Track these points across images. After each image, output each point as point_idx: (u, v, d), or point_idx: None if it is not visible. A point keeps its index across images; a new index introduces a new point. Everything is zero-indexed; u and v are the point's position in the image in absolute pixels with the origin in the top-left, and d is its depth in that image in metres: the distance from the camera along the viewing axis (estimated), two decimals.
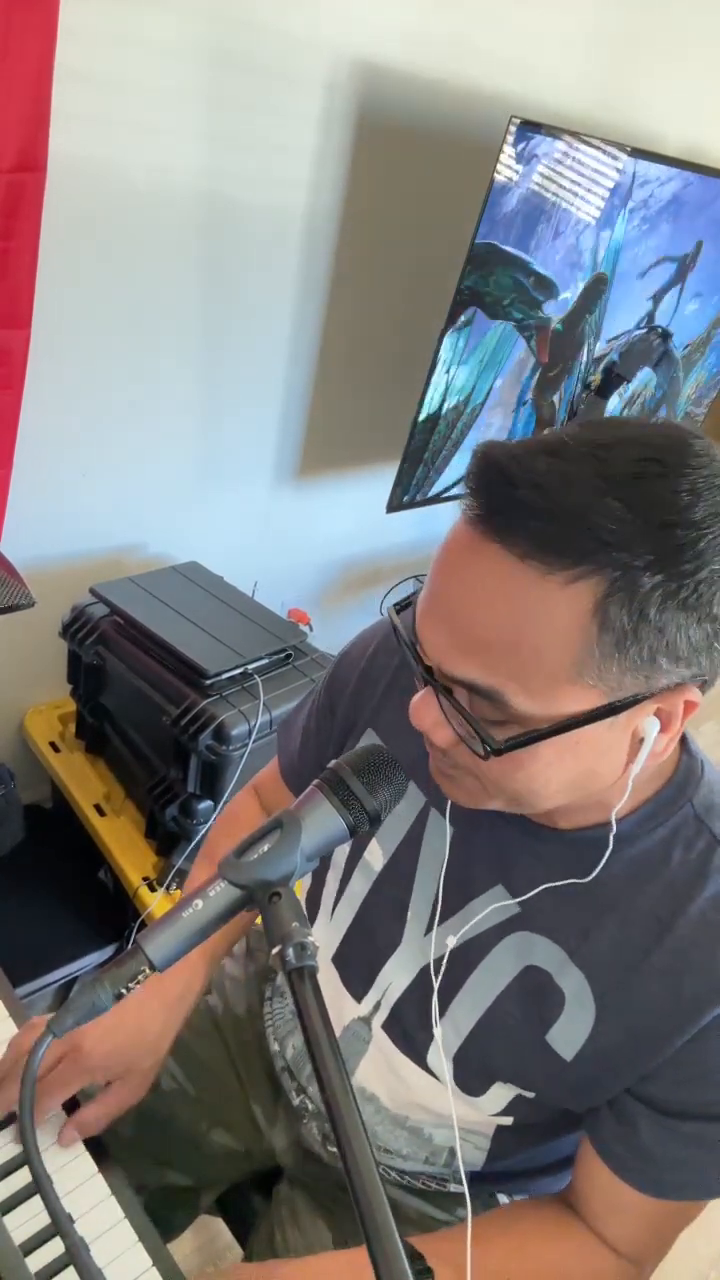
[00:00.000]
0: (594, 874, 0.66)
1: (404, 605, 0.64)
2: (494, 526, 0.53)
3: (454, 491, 2.08)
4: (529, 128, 1.57)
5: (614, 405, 2.21)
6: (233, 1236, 1.02)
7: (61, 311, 1.42)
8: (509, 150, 1.56)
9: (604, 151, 1.73)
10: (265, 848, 0.58)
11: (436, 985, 0.75)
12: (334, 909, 0.86)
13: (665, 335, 2.17)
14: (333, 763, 0.62)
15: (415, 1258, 0.69)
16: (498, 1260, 0.71)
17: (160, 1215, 0.87)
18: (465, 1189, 0.75)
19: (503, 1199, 0.90)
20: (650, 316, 2.16)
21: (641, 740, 0.58)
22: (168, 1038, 0.84)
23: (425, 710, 0.60)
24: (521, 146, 1.57)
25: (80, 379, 1.54)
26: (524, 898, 0.70)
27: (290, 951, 0.53)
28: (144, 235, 1.49)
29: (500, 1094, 0.75)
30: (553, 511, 0.51)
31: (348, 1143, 0.48)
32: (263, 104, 1.51)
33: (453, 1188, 0.88)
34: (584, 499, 0.51)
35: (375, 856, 0.81)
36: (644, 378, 2.28)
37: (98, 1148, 0.76)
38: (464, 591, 0.55)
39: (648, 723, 0.57)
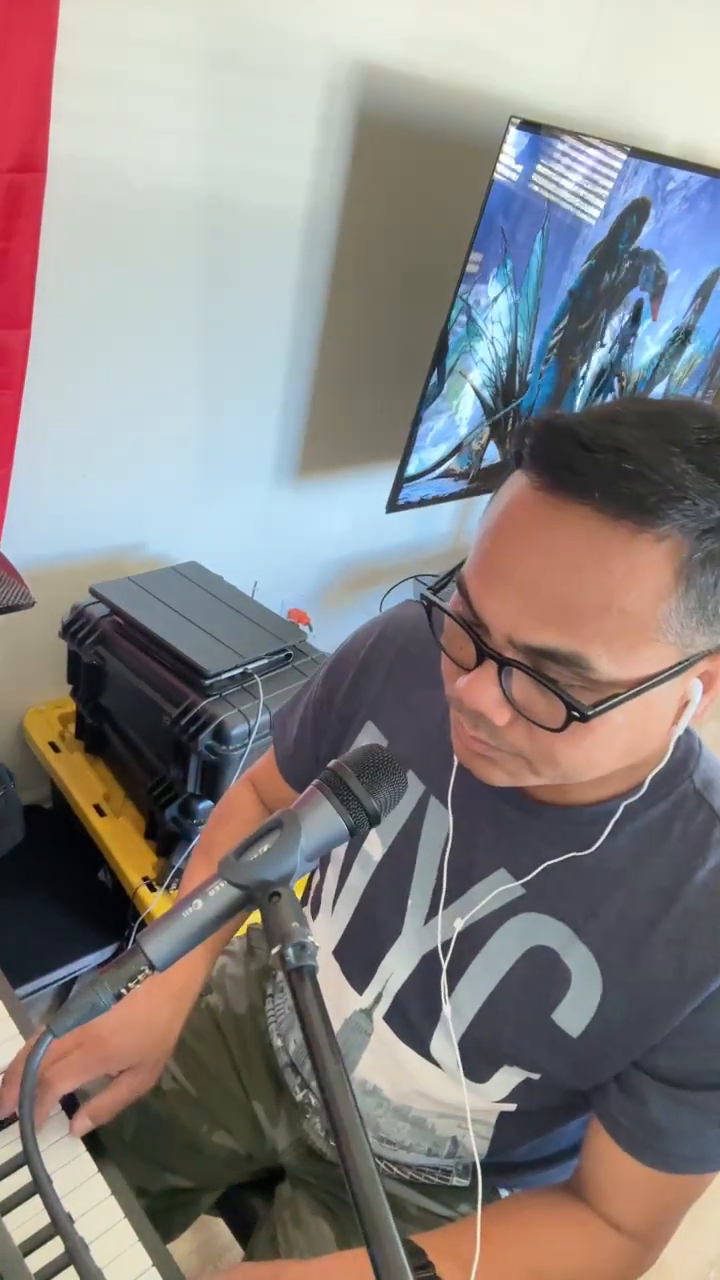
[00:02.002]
0: (596, 846, 0.67)
1: (438, 587, 0.63)
2: (576, 490, 0.53)
3: (436, 473, 2.05)
4: (529, 128, 1.57)
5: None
6: (232, 1236, 1.02)
7: (61, 311, 1.42)
8: (509, 150, 1.56)
9: (603, 151, 1.73)
10: (265, 848, 0.58)
11: (445, 963, 0.76)
12: (335, 903, 0.86)
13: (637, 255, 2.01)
14: (332, 762, 0.62)
15: (415, 1254, 0.70)
16: (500, 1247, 0.72)
17: (160, 1217, 0.87)
18: (477, 1163, 0.76)
19: (504, 1194, 0.90)
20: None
21: (687, 702, 0.59)
22: (176, 1028, 0.86)
23: (483, 689, 0.58)
24: (521, 147, 1.57)
25: (80, 379, 1.54)
26: (527, 878, 0.71)
27: (290, 951, 0.53)
28: (144, 235, 1.49)
29: (505, 1079, 0.76)
30: (639, 473, 0.52)
31: (346, 1144, 0.48)
32: (263, 104, 1.51)
33: (455, 1181, 0.88)
34: (664, 461, 0.52)
35: (374, 848, 0.82)
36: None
37: (98, 1148, 0.76)
38: (545, 557, 0.55)
39: (693, 684, 0.59)
